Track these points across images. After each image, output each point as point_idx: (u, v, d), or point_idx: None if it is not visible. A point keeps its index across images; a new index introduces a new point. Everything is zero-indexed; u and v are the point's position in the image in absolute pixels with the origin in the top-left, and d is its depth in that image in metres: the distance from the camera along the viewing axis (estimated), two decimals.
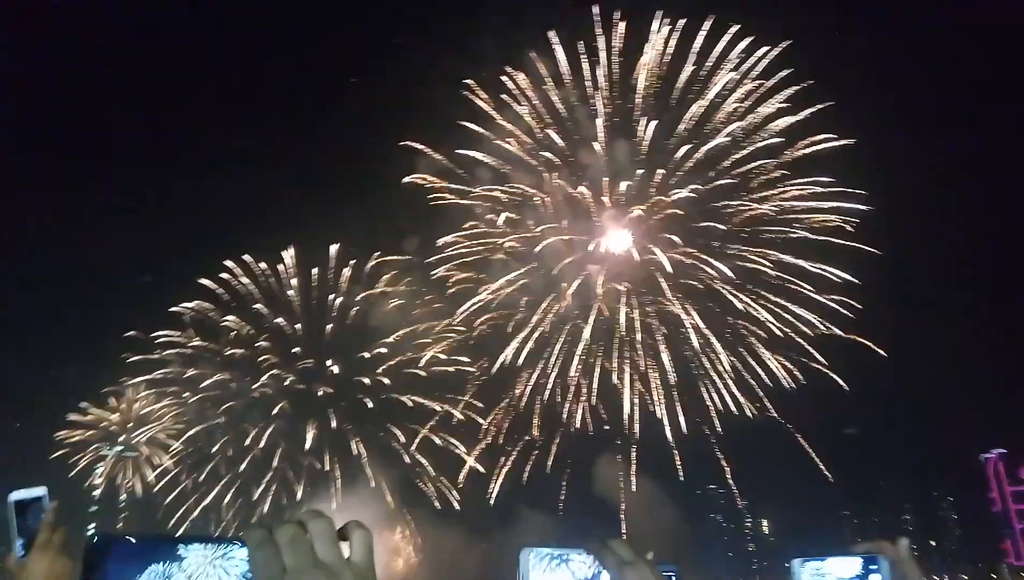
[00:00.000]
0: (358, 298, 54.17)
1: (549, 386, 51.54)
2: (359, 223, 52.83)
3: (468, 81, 50.77)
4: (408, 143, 51.32)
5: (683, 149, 49.90)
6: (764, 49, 48.88)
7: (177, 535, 1.90)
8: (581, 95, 51.02)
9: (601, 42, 50.26)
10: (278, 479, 52.50)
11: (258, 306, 54.20)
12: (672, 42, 49.63)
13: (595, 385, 51.34)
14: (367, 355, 53.49)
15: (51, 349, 51.32)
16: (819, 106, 48.29)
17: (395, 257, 53.55)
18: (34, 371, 51.24)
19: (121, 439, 54.48)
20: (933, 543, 65.05)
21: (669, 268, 49.66)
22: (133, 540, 1.79)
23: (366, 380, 53.04)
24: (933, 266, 48.44)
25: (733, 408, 49.86)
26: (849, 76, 47.75)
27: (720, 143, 49.75)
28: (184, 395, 53.50)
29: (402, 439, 52.38)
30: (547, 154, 51.29)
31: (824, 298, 48.29)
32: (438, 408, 52.34)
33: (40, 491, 3.60)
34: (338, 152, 54.11)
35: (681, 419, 50.31)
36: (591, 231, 51.30)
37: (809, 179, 49.00)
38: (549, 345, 51.60)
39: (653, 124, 49.94)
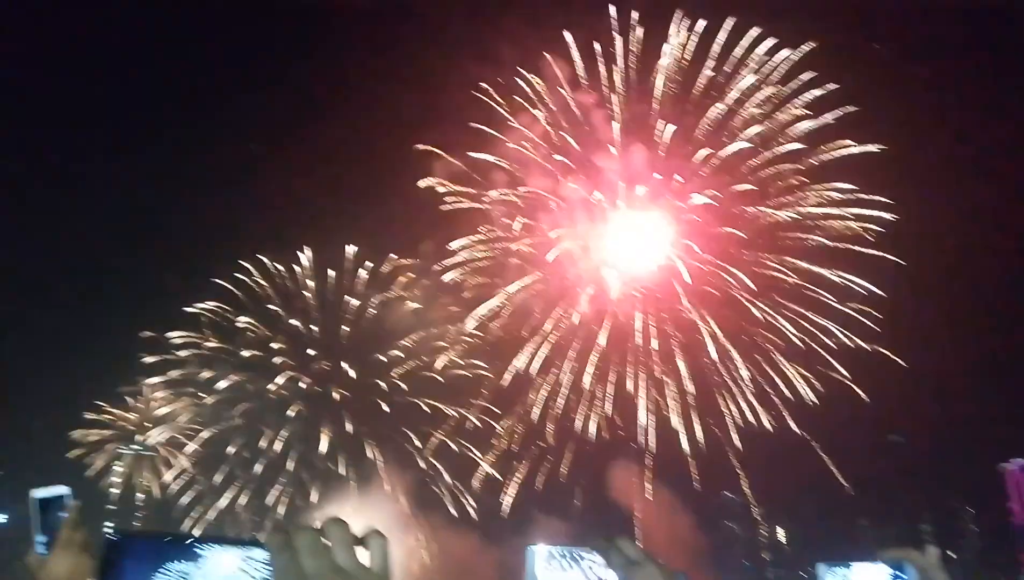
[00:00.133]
0: (374, 301, 54.41)
1: (563, 393, 51.44)
2: (375, 225, 53.08)
3: (484, 85, 50.90)
4: (424, 146, 51.51)
5: (701, 153, 49.64)
6: (786, 52, 48.47)
7: (195, 535, 1.89)
8: (598, 98, 50.89)
9: (618, 44, 50.09)
10: (293, 482, 52.71)
11: (274, 307, 54.54)
12: (691, 44, 49.35)
13: (609, 392, 51.21)
14: (383, 358, 53.67)
15: (68, 349, 51.92)
16: (842, 111, 47.78)
17: (411, 261, 53.75)
18: (51, 371, 51.80)
19: (138, 438, 54.87)
20: (952, 554, 64.17)
21: (687, 275, 49.39)
22: (150, 539, 1.80)
23: (381, 383, 53.22)
24: (955, 276, 47.80)
25: (751, 417, 49.49)
26: (874, 81, 47.23)
27: (740, 148, 49.39)
28: (200, 396, 53.88)
29: (417, 443, 52.50)
30: (563, 158, 51.26)
31: (845, 308, 47.80)
32: (453, 413, 52.41)
33: (62, 490, 3.65)
34: (355, 153, 54.28)
35: (697, 428, 50.05)
36: (606, 236, 51.17)
37: (831, 185, 48.50)
38: (563, 352, 51.51)
39: (671, 128, 49.71)
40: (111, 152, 57.91)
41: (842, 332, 48.03)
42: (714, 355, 49.80)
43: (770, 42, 48.39)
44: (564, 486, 51.57)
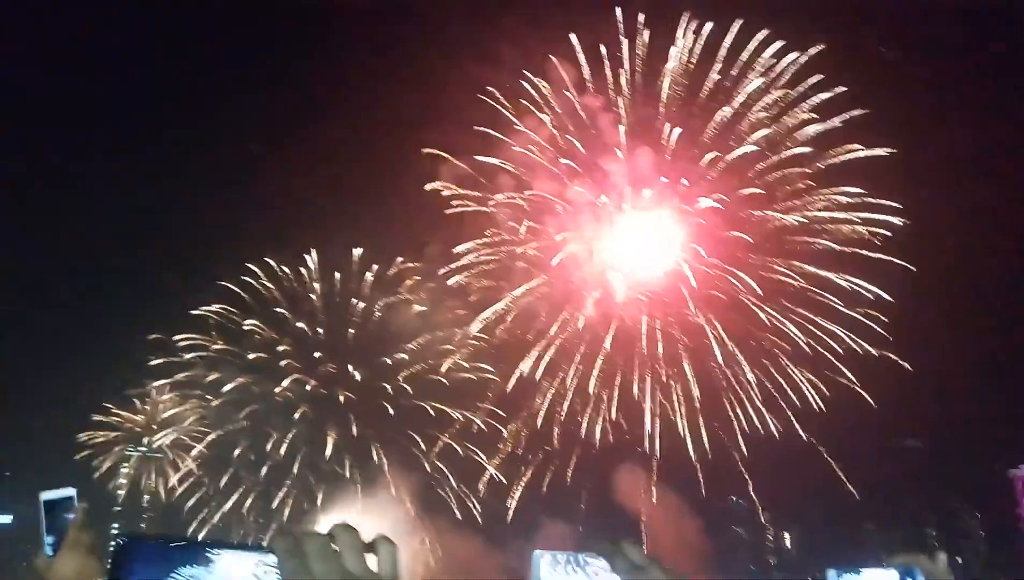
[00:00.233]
0: (380, 303, 54.49)
1: (569, 396, 51.34)
2: (382, 227, 53.16)
3: (490, 88, 50.85)
4: (430, 149, 51.53)
5: (708, 156, 49.51)
6: (794, 55, 48.15)
7: (206, 539, 1.89)
8: (604, 101, 50.79)
9: (624, 47, 49.92)
10: (298, 484, 52.77)
11: (280, 309, 54.64)
12: (698, 46, 49.19)
13: (615, 396, 51.09)
14: (388, 361, 53.73)
15: (74, 350, 52.13)
16: (849, 114, 47.47)
17: (417, 264, 53.80)
18: (58, 372, 52.00)
19: (145, 441, 55.03)
20: (958, 559, 63.86)
21: (693, 279, 49.24)
22: (160, 542, 1.78)
23: (387, 386, 53.27)
24: (959, 279, 47.52)
25: (757, 422, 49.25)
26: (883, 83, 46.92)
27: (747, 151, 49.23)
28: (206, 398, 54.02)
29: (423, 447, 52.50)
30: (569, 162, 51.14)
31: (853, 312, 47.51)
32: (459, 416, 52.39)
33: (69, 492, 3.67)
34: (361, 156, 54.43)
35: (703, 433, 49.86)
36: (612, 239, 51.09)
37: (839, 189, 48.17)
38: (569, 355, 51.41)
39: (678, 131, 49.59)
40: (116, 154, 58.17)
41: (849, 337, 47.83)
42: (720, 359, 49.70)
43: (778, 44, 48.21)
44: (569, 490, 51.59)
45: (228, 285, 53.87)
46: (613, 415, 50.73)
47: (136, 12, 56.01)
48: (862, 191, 47.62)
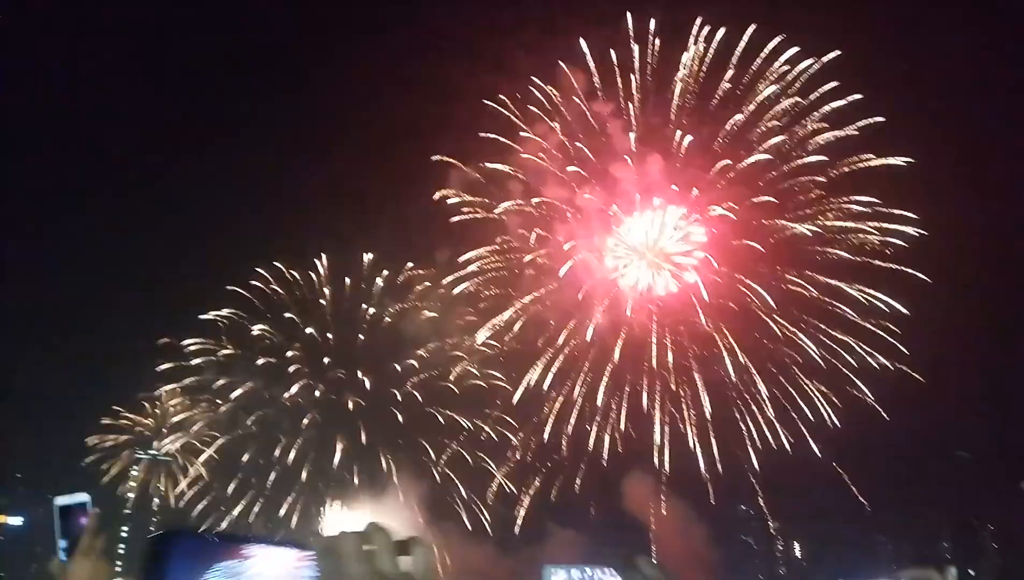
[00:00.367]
0: (390, 310, 54.45)
1: (577, 405, 51.03)
2: (392, 233, 53.24)
3: (501, 96, 50.75)
4: (440, 157, 51.44)
5: (720, 164, 49.06)
6: (808, 61, 47.46)
7: (244, 535, 1.86)
8: (614, 108, 50.42)
9: (636, 53, 49.35)
10: (307, 490, 52.74)
11: (289, 314, 54.63)
12: (711, 52, 48.59)
13: (624, 406, 50.74)
14: (398, 367, 53.66)
15: (85, 356, 52.35)
16: (864, 121, 46.67)
17: (426, 270, 53.74)
18: (68, 377, 52.27)
19: (155, 445, 55.10)
20: (971, 572, 63.26)
21: (704, 289, 48.78)
22: (200, 536, 1.79)
23: (397, 393, 53.19)
24: (979, 292, 46.89)
25: (769, 435, 48.72)
26: (899, 90, 46.32)
27: (760, 159, 48.68)
28: (216, 403, 54.10)
29: (432, 454, 52.36)
30: (579, 169, 50.89)
31: (867, 324, 46.93)
32: (468, 424, 52.23)
33: (83, 497, 3.71)
34: (373, 162, 54.60)
35: (713, 443, 49.44)
36: (623, 247, 50.86)
37: (854, 198, 47.42)
38: (578, 364, 51.10)
39: (689, 138, 49.26)
40: (128, 160, 58.62)
41: (864, 350, 47.18)
42: (731, 370, 49.18)
43: (792, 51, 47.47)
44: (579, 499, 51.32)
45: (238, 290, 54.04)
46: (622, 425, 50.49)
47: (154, 17, 56.57)
48: (877, 201, 46.89)
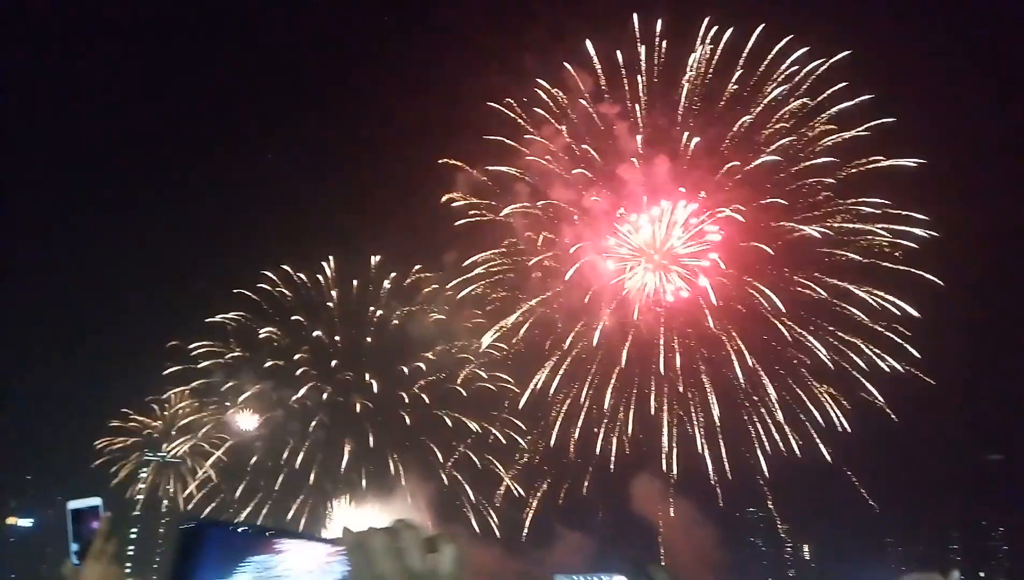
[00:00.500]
0: (397, 312, 54.43)
1: (585, 408, 50.83)
2: (400, 236, 53.29)
3: (508, 100, 50.62)
4: (447, 160, 51.36)
5: (728, 166, 48.70)
6: (818, 61, 46.73)
7: (274, 528, 1.86)
8: (621, 109, 50.09)
9: (642, 54, 48.94)
10: (315, 493, 52.74)
11: (297, 317, 54.63)
12: (718, 51, 48.10)
13: (632, 408, 50.53)
14: (405, 370, 53.62)
15: (94, 359, 52.59)
16: (875, 122, 45.88)
17: (434, 273, 53.67)
18: (78, 380, 52.50)
19: (164, 447, 55.19)
20: (982, 574, 62.96)
21: (713, 295, 48.38)
22: (230, 528, 1.77)
23: (404, 396, 53.16)
24: (991, 295, 46.35)
25: (778, 437, 48.35)
26: (910, 91, 45.67)
27: (769, 160, 48.31)
28: (225, 405, 54.18)
29: (440, 457, 52.31)
30: (585, 171, 50.66)
31: (878, 327, 46.46)
32: (476, 427, 52.14)
33: (95, 501, 3.72)
34: (379, 164, 54.77)
35: (722, 445, 49.20)
36: (629, 249, 50.68)
37: (863, 200, 46.88)
38: (585, 367, 50.89)
39: (696, 140, 48.98)
40: (140, 168, 58.94)
41: (873, 352, 46.77)
42: (739, 373, 48.85)
43: (801, 51, 46.78)
44: (586, 502, 51.19)
45: (245, 292, 54.11)
46: (630, 428, 50.27)
47: (167, 29, 56.91)
48: (887, 202, 46.28)
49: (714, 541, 48.82)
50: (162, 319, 54.29)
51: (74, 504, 3.68)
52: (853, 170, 46.89)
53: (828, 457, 47.71)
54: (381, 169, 55.44)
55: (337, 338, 54.73)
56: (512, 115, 50.44)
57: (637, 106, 49.68)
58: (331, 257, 54.60)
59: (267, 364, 53.95)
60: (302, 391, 53.36)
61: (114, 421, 54.51)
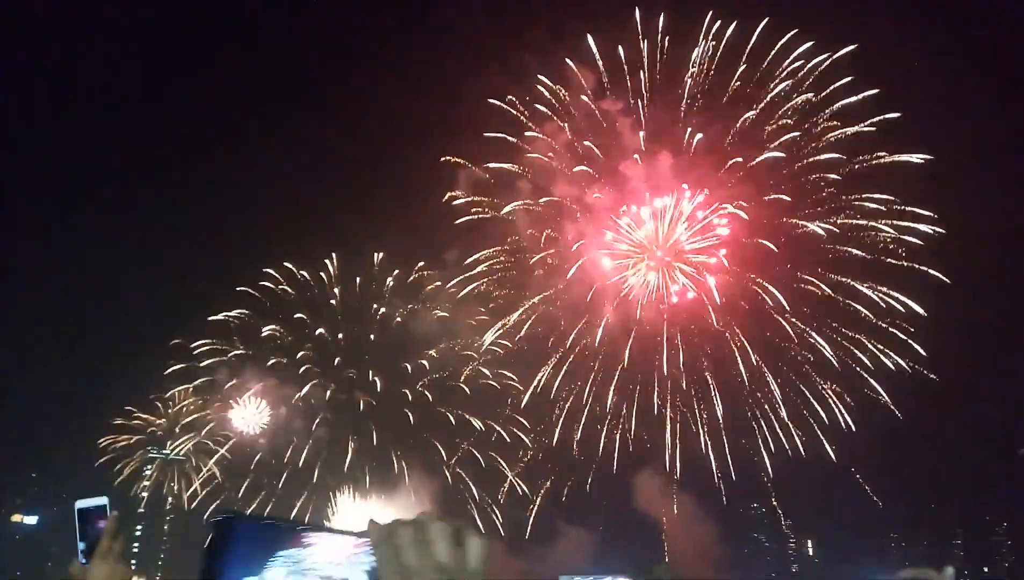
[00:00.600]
0: (400, 310, 54.44)
1: (587, 406, 50.77)
2: (402, 233, 53.33)
3: (511, 97, 50.50)
4: (450, 158, 51.25)
5: (731, 162, 48.39)
6: (823, 56, 46.29)
7: (302, 521, 1.88)
8: (624, 106, 49.86)
9: (645, 49, 48.59)
10: (318, 491, 52.81)
11: (300, 315, 54.68)
12: (721, 47, 47.69)
13: (635, 405, 50.47)
14: (409, 367, 53.66)
15: (97, 358, 52.72)
16: (880, 117, 45.33)
17: (437, 270, 53.66)
18: (81, 380, 52.63)
19: (168, 444, 55.30)
20: (985, 569, 62.96)
21: (716, 293, 48.26)
22: (259, 522, 1.80)
23: (408, 393, 53.21)
24: (998, 292, 45.99)
25: (782, 436, 48.16)
26: (917, 85, 45.20)
27: (774, 156, 47.87)
28: (228, 403, 54.25)
29: (444, 455, 52.36)
30: (587, 168, 50.54)
31: (883, 324, 46.22)
32: (479, 425, 52.17)
33: (102, 500, 3.75)
34: (382, 162, 54.79)
35: (725, 443, 49.10)
36: (631, 245, 50.58)
37: (869, 196, 46.34)
38: (588, 364, 50.85)
39: (699, 136, 48.77)
40: (143, 167, 59.00)
41: (879, 349, 46.57)
42: (743, 370, 48.70)
43: (806, 46, 46.33)
44: (590, 499, 51.17)
45: (248, 290, 54.16)
46: (633, 425, 50.21)
47: (170, 32, 56.96)
48: (893, 198, 45.81)
49: (717, 537, 48.83)
50: (165, 317, 54.50)
51: (81, 503, 3.71)
52: (857, 166, 46.77)
53: (832, 454, 47.65)
54: (383, 167, 55.52)
55: (340, 336, 54.85)
56: (514, 112, 50.44)
57: (639, 103, 49.54)
58: (334, 255, 54.80)
59: (270, 362, 54.15)
60: (305, 389, 53.52)
61: (118, 419, 54.79)
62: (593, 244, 50.36)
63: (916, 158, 45.09)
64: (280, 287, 54.52)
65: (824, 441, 47.77)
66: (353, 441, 52.80)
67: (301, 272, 54.67)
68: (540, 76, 50.26)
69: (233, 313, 53.98)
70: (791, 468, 49.02)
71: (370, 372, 53.77)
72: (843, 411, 47.38)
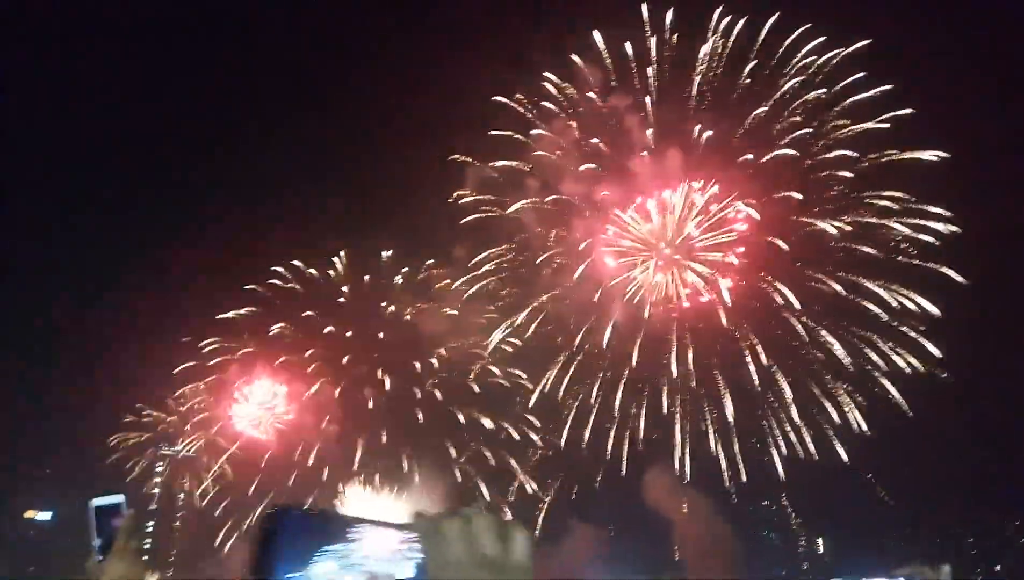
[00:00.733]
0: (409, 308, 54.48)
1: (597, 406, 50.63)
2: (411, 231, 53.34)
3: (517, 94, 50.41)
4: (456, 156, 51.16)
5: (741, 160, 47.97)
6: (835, 51, 45.89)
7: (350, 515, 1.89)
8: (632, 103, 49.52)
9: (653, 45, 48.38)
10: (328, 489, 52.94)
11: (309, 313, 54.78)
12: (730, 43, 47.36)
13: (644, 405, 50.27)
14: (418, 366, 53.68)
15: (106, 357, 52.98)
16: (894, 113, 44.79)
17: (445, 268, 53.68)
18: (89, 379, 52.87)
19: (180, 441, 55.54)
20: (997, 568, 62.54)
21: (728, 296, 47.88)
22: (308, 516, 1.80)
23: (417, 391, 53.24)
24: (1011, 291, 45.43)
25: (794, 438, 47.90)
26: (931, 80, 44.41)
27: (784, 153, 47.53)
28: (238, 401, 54.46)
29: (453, 453, 52.36)
30: (595, 166, 50.33)
31: (897, 325, 45.80)
32: (489, 423, 52.12)
33: (118, 498, 3.77)
34: (390, 160, 54.79)
35: (736, 445, 48.91)
36: (639, 242, 50.40)
37: (883, 193, 45.91)
38: (597, 364, 50.69)
39: (708, 133, 48.43)
40: (152, 165, 59.22)
41: (892, 350, 46.17)
42: (753, 371, 48.40)
43: (818, 41, 45.91)
44: (599, 499, 51.09)
45: (257, 288, 54.34)
46: (642, 425, 50.02)
47: (161, 23, 57.06)
48: (907, 196, 45.38)
49: (727, 536, 48.61)
50: (174, 316, 54.65)
51: (98, 502, 3.74)
52: (870, 164, 46.29)
53: (844, 456, 47.37)
54: (390, 166, 55.46)
55: (349, 334, 54.91)
56: (521, 110, 50.40)
57: (648, 99, 49.31)
58: (342, 252, 54.89)
59: (279, 360, 54.28)
60: (315, 387, 53.63)
61: (130, 416, 55.07)
62: (601, 242, 50.27)
63: (930, 155, 44.55)
64: (288, 285, 54.76)
65: (836, 443, 47.54)
66: (362, 439, 52.93)
67: (309, 270, 54.90)
68: (547, 73, 50.27)
69: (242, 311, 54.28)
70: (803, 469, 48.79)
71: (379, 370, 53.90)
72: (856, 412, 47.11)
